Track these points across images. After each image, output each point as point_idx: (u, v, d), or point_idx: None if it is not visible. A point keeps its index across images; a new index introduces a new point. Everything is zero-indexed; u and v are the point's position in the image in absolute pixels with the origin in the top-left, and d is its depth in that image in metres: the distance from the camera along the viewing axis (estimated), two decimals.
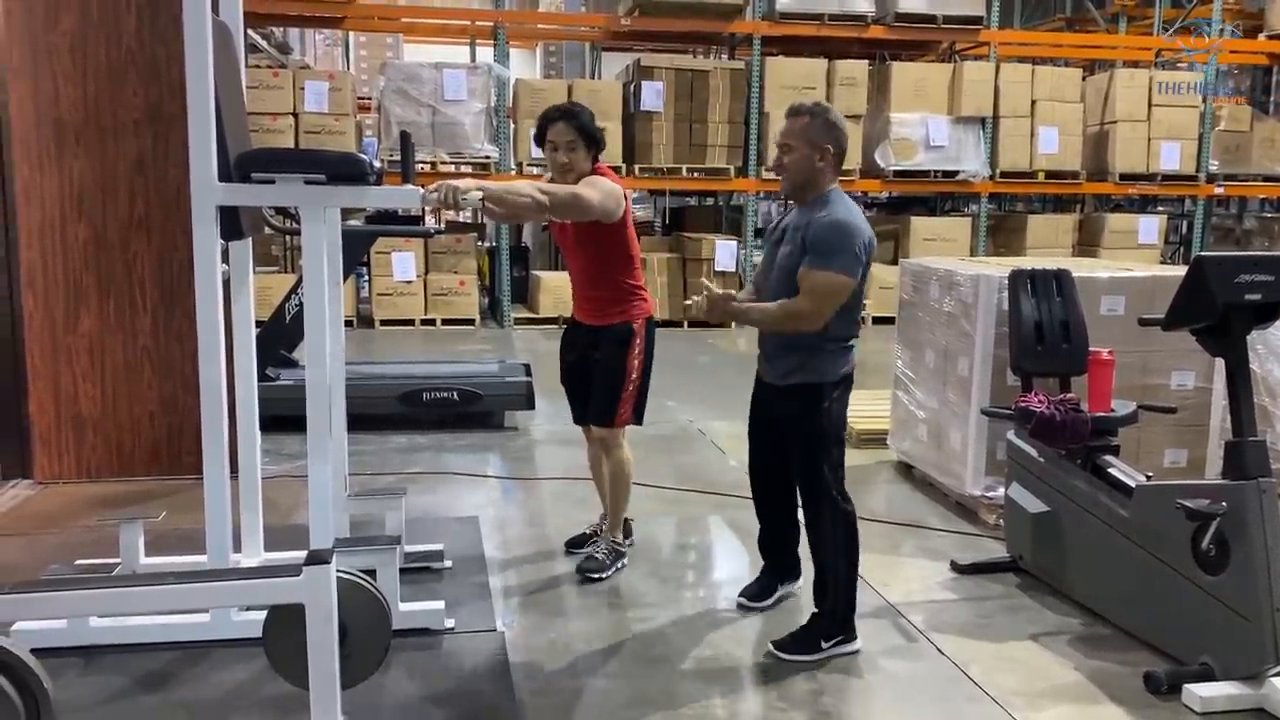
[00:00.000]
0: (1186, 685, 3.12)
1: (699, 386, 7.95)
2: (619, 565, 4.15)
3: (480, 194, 3.24)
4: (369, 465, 5.49)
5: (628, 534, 4.33)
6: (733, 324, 3.46)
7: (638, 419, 4.13)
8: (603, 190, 3.77)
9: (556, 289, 11.10)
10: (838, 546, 3.42)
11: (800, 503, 3.53)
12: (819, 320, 3.26)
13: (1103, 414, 3.85)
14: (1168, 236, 13.26)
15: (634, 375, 4.03)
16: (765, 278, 3.52)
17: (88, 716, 2.98)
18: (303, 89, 10.35)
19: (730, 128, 11.12)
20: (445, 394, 6.35)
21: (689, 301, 3.52)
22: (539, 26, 15.56)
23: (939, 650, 3.51)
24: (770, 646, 3.45)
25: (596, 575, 4.04)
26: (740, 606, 3.77)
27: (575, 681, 3.25)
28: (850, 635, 3.46)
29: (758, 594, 3.79)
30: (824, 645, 3.41)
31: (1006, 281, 4.38)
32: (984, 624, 3.73)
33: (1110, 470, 3.74)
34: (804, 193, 3.35)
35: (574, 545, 4.31)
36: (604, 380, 4.04)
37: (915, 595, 3.97)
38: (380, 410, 6.24)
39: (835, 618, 3.43)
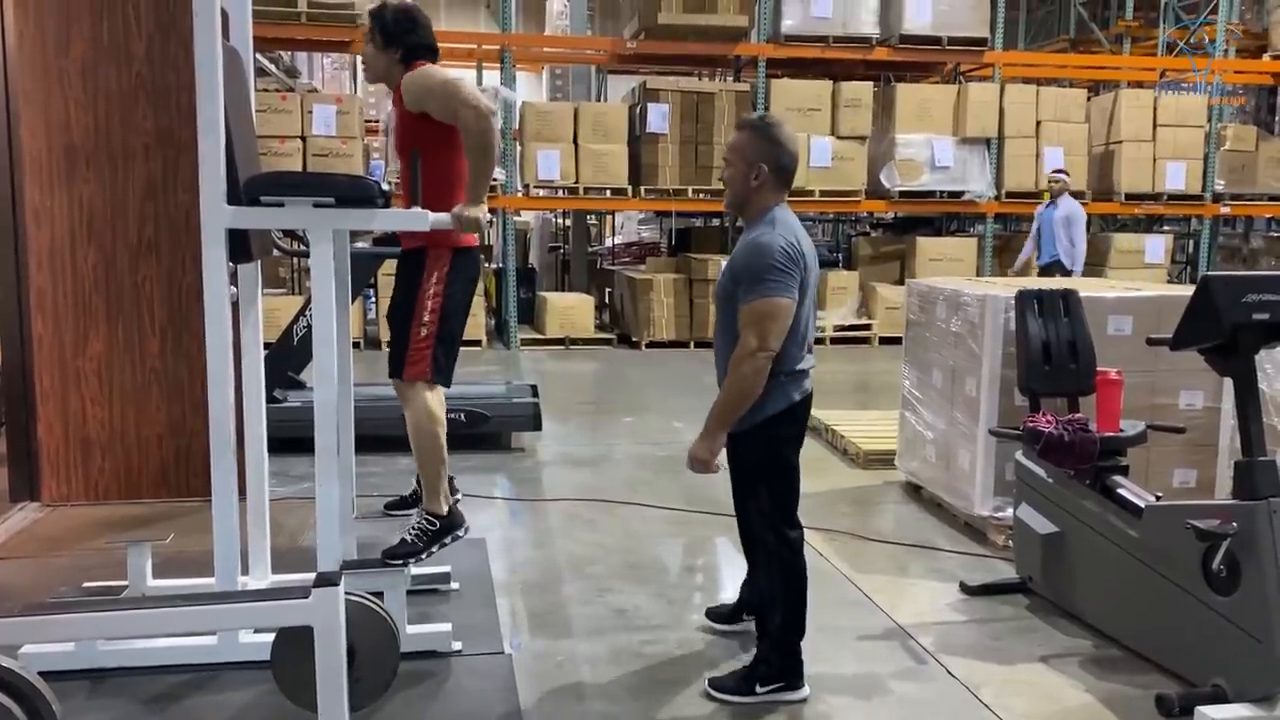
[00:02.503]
0: (1199, 707, 3.09)
1: (706, 408, 7.93)
2: (438, 546, 3.67)
3: (485, 210, 3.33)
4: (377, 487, 5.49)
5: (450, 516, 3.73)
6: (721, 438, 3.21)
7: (439, 376, 3.64)
8: (447, 92, 3.45)
9: (564, 310, 11.12)
10: (774, 592, 3.26)
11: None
12: (769, 348, 3.05)
13: (1111, 434, 3.84)
14: (1174, 256, 13.25)
15: (427, 315, 3.57)
16: None
17: None
18: (311, 112, 10.42)
19: None
20: (452, 415, 6.24)
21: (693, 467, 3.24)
22: (545, 50, 15.66)
23: (949, 672, 3.49)
24: (706, 684, 3.32)
25: (400, 562, 3.56)
26: (705, 628, 3.77)
27: (583, 704, 3.24)
28: (794, 683, 3.27)
29: (726, 616, 3.78)
30: (759, 690, 3.25)
31: (1013, 301, 4.38)
32: (994, 646, 3.71)
33: (1119, 490, 3.73)
34: (743, 210, 3.24)
35: (392, 508, 3.83)
36: (394, 320, 3.63)
37: (925, 617, 3.95)
38: (387, 432, 6.22)
39: (771, 664, 3.27)
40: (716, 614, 3.80)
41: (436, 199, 3.47)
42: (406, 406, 3.72)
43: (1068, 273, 9.48)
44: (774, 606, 3.27)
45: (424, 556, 3.67)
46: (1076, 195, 11.85)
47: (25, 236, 4.95)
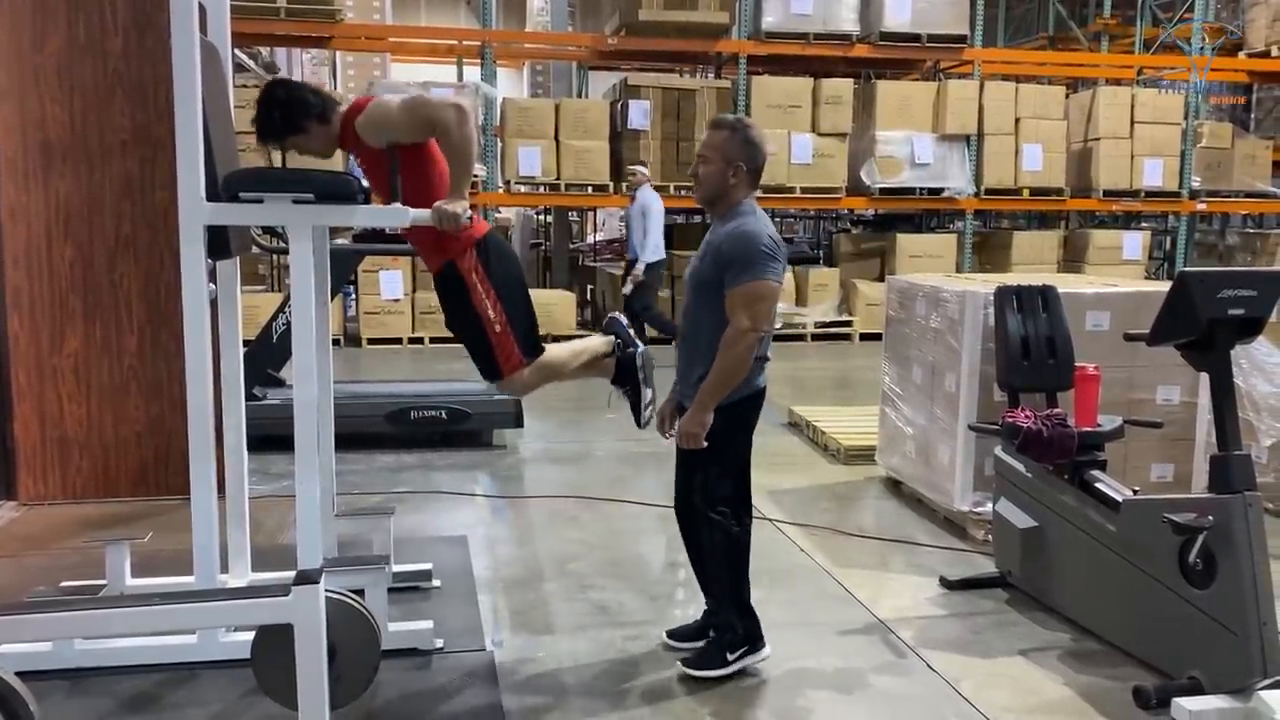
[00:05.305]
0: (1175, 699, 3.13)
1: None
2: (632, 359, 4.01)
3: (466, 206, 3.32)
4: (356, 485, 5.48)
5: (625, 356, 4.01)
6: (711, 413, 3.26)
7: (529, 351, 3.65)
8: (413, 109, 3.39)
9: (545, 307, 11.08)
10: (717, 560, 3.38)
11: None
12: (760, 329, 3.21)
13: (1089, 429, 3.87)
14: (1151, 252, 13.36)
15: (491, 313, 3.56)
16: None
17: None
18: None
19: None
20: (433, 412, 6.35)
21: (668, 438, 3.57)
22: (526, 46, 15.63)
23: (929, 666, 3.51)
24: (679, 665, 3.42)
25: (645, 417, 3.95)
26: (666, 647, 3.60)
27: (564, 701, 3.24)
28: (756, 645, 3.43)
29: (689, 634, 3.61)
30: (730, 658, 3.38)
31: (992, 298, 4.41)
32: (974, 640, 3.73)
33: (1097, 485, 3.75)
34: (716, 205, 3.35)
35: (677, 637, 3.67)
36: (464, 339, 3.65)
37: (905, 611, 3.97)
38: (367, 429, 6.23)
39: (735, 630, 3.40)
40: (679, 634, 3.65)
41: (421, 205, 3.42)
42: (523, 387, 3.76)
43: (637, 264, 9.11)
44: (721, 570, 3.39)
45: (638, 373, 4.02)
46: (1055, 193, 11.98)
47: (1, 234, 4.90)
